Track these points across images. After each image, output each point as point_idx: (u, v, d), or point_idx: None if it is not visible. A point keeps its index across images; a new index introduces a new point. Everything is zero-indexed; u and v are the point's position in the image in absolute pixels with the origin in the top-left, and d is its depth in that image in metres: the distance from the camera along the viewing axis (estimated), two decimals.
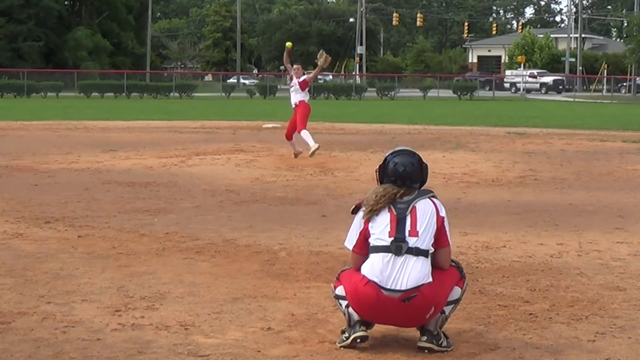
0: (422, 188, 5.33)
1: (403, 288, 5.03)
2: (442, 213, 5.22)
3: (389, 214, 5.15)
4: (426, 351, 5.14)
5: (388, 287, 5.04)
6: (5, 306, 6.07)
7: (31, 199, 11.29)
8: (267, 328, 5.63)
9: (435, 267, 5.18)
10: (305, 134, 16.68)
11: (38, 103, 46.51)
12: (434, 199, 5.25)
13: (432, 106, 48.13)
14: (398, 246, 5.07)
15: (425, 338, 5.17)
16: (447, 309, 5.22)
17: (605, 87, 74.97)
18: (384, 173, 5.31)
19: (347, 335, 5.22)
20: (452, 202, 11.51)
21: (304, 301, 6.32)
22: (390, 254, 5.08)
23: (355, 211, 5.33)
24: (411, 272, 5.05)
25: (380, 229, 5.14)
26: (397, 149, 5.41)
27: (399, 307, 5.04)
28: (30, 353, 5.09)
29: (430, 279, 5.08)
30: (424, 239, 5.11)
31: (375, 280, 5.07)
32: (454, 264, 5.33)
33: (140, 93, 58.65)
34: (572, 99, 60.54)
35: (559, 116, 36.96)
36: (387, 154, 5.38)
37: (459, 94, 62.44)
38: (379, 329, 5.40)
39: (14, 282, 6.77)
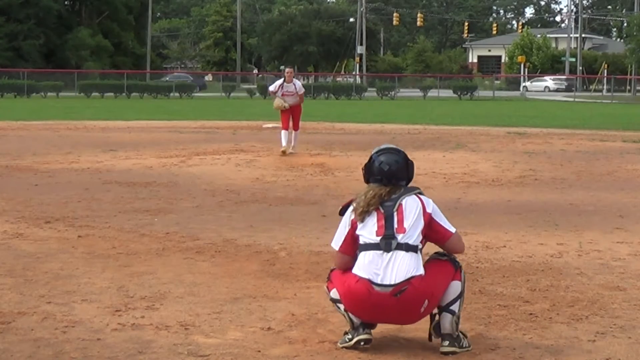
0: (409, 185, 5.32)
1: (393, 282, 5.00)
2: (429, 209, 5.19)
3: (376, 213, 5.15)
4: (450, 355, 5.11)
5: (379, 282, 5.01)
6: (5, 306, 6.07)
7: (31, 199, 11.29)
8: (267, 328, 5.63)
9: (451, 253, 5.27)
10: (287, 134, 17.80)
11: (38, 103, 46.50)
12: (421, 196, 5.24)
13: (432, 106, 48.11)
14: (387, 243, 5.06)
15: (447, 342, 5.15)
16: (454, 307, 5.17)
17: (605, 87, 74.85)
18: (370, 172, 5.32)
19: (350, 337, 5.20)
20: (452, 202, 11.52)
21: (304, 301, 6.32)
22: (380, 251, 5.06)
23: (342, 212, 5.34)
24: (400, 266, 5.01)
25: (369, 229, 5.13)
26: (382, 147, 5.39)
27: (391, 302, 5.00)
28: (30, 353, 5.09)
29: (421, 272, 5.04)
30: (412, 235, 5.09)
31: (366, 277, 5.04)
32: (445, 257, 5.28)
33: (141, 93, 58.65)
34: (572, 99, 60.49)
35: (559, 116, 36.96)
36: (372, 153, 5.37)
37: (459, 93, 62.39)
38: (379, 329, 5.39)
39: (14, 282, 6.77)
